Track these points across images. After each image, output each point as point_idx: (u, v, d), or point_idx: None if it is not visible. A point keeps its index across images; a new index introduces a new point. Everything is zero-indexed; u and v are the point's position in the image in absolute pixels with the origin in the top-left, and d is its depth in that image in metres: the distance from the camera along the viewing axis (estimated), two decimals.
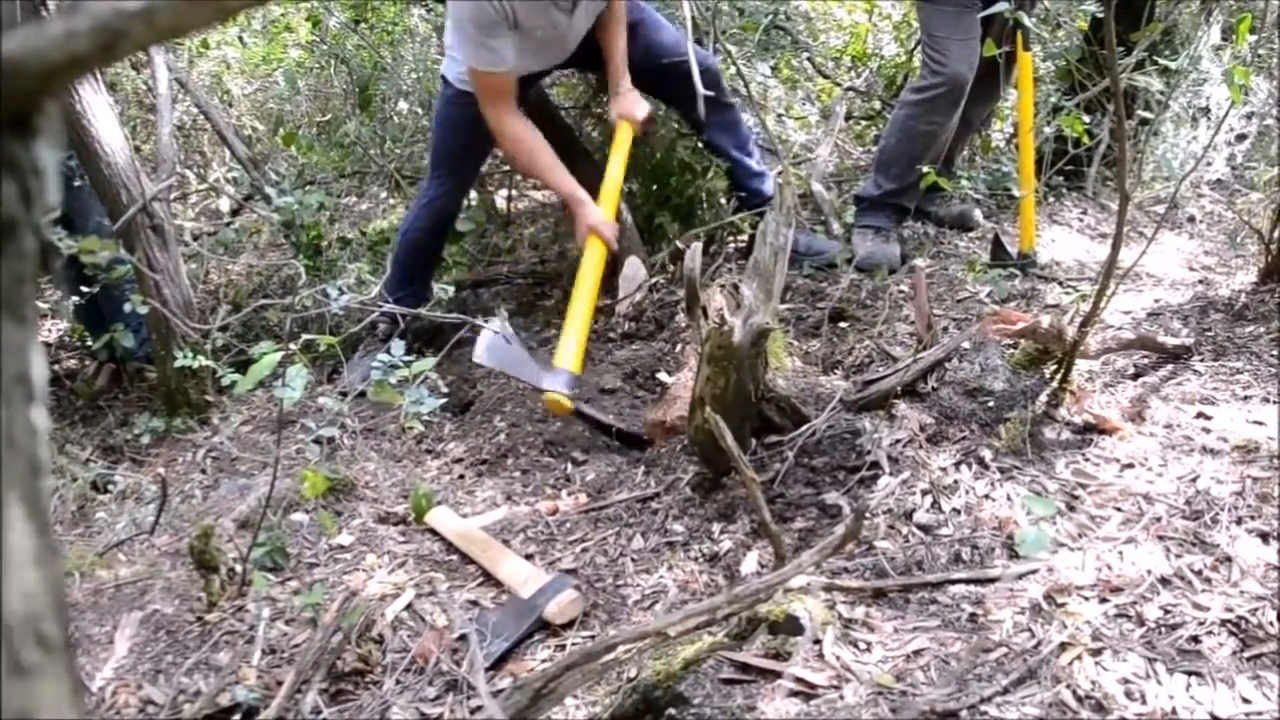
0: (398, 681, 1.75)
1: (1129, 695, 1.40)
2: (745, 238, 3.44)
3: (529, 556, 2.08)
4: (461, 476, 2.56)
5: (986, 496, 1.91)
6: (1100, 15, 3.54)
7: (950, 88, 3.21)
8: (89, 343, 3.84)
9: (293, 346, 2.01)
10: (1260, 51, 4.11)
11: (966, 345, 2.31)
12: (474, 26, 2.79)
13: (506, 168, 4.35)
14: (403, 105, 4.55)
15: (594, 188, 2.96)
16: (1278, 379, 2.24)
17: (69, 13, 0.42)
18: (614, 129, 3.10)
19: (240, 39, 5.30)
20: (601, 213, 2.89)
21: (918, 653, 1.56)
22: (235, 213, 4.70)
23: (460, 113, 3.05)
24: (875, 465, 2.04)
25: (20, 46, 0.41)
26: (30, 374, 0.44)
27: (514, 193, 4.44)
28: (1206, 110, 4.02)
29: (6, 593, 0.40)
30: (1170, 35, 3.78)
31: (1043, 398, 2.13)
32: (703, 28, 3.67)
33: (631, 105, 3.07)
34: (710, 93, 3.12)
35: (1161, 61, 3.37)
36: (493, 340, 2.55)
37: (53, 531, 0.45)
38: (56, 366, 4.08)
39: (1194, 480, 1.88)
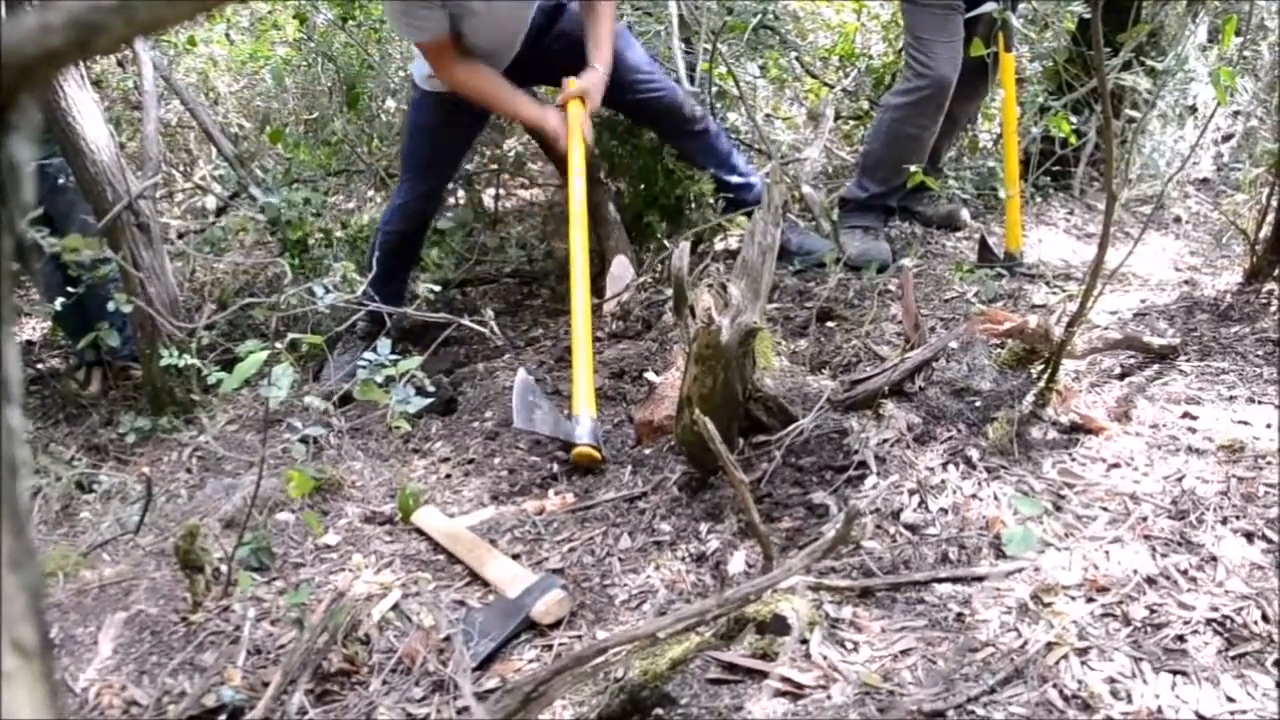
0: (384, 682, 1.75)
1: (1115, 694, 1.40)
2: (734, 237, 3.44)
3: (516, 556, 2.07)
4: (448, 476, 2.55)
5: (973, 496, 1.91)
6: (1087, 16, 3.56)
7: (935, 90, 3.21)
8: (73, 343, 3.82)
9: (279, 345, 2.00)
10: (1245, 53, 4.13)
11: (954, 345, 2.32)
12: None
13: (494, 166, 4.34)
14: (390, 103, 4.54)
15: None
16: (1268, 380, 2.25)
17: (45, 7, 0.42)
18: (566, 103, 2.99)
19: (227, 36, 5.28)
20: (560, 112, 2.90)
21: (905, 652, 1.56)
22: (221, 211, 4.68)
23: (426, 116, 3.00)
24: (863, 465, 2.04)
25: None
26: (6, 373, 0.43)
27: (501, 191, 4.43)
28: (1193, 109, 4.04)
29: None
30: (1157, 36, 3.80)
31: (1029, 397, 2.13)
32: (691, 27, 3.67)
33: (594, 86, 2.98)
34: (691, 123, 3.16)
35: (1148, 62, 3.38)
36: (521, 399, 2.50)
37: (31, 533, 0.45)
38: (40, 366, 4.06)
39: (1180, 480, 1.89)
